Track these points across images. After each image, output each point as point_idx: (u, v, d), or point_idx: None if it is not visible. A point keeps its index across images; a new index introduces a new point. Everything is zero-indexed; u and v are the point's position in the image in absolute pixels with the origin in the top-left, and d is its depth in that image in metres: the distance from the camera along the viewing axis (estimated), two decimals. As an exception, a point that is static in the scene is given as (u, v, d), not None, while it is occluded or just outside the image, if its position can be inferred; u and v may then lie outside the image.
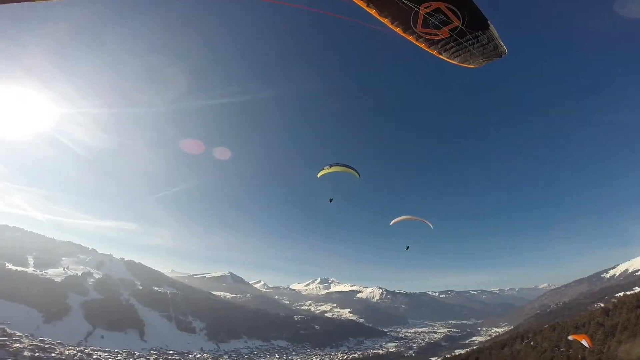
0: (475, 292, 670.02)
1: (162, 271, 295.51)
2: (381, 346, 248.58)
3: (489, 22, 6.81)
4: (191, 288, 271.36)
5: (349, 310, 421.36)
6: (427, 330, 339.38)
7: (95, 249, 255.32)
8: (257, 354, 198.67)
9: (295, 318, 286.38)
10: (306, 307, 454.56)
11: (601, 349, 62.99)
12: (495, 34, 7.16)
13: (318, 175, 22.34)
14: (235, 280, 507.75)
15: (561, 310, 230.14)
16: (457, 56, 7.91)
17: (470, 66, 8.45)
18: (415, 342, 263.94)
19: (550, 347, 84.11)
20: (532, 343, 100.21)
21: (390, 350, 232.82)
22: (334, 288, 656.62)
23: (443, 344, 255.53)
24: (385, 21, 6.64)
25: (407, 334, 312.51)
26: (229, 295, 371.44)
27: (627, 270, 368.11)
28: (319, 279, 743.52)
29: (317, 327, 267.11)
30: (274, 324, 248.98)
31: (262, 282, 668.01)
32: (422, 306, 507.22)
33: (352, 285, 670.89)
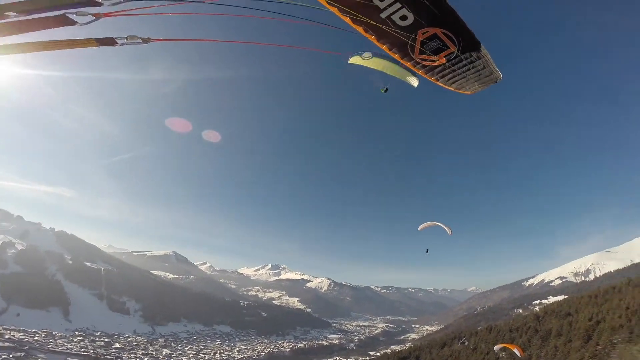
0: (413, 290, 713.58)
1: (97, 245, 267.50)
2: (325, 337, 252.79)
3: (482, 47, 6.79)
4: (129, 266, 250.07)
5: (297, 299, 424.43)
6: (367, 324, 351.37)
7: (22, 216, 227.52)
8: (196, 339, 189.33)
9: (241, 303, 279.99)
10: (254, 293, 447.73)
11: (539, 353, 67.15)
12: (490, 59, 7.20)
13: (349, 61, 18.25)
14: (179, 260, 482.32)
15: (486, 314, 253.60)
16: (454, 82, 7.92)
17: (466, 92, 8.47)
18: (356, 335, 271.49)
19: (488, 349, 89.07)
20: (470, 345, 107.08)
21: (334, 342, 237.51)
22: (285, 275, 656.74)
23: (381, 338, 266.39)
24: (384, 47, 6.68)
25: (349, 326, 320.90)
26: (170, 276, 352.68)
27: (543, 280, 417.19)
28: (269, 265, 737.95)
29: (264, 314, 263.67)
30: (218, 309, 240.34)
31: (208, 264, 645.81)
32: (366, 300, 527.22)
33: (302, 274, 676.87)
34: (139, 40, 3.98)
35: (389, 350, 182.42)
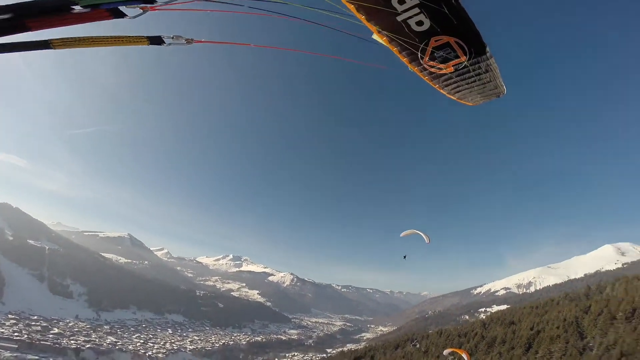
0: (371, 291, 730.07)
1: (45, 222, 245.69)
2: (284, 332, 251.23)
3: (493, 60, 6.75)
4: (77, 246, 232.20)
5: (258, 292, 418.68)
6: (326, 322, 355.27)
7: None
8: (146, 327, 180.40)
9: (197, 293, 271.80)
10: (211, 283, 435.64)
11: (485, 358, 70.87)
12: (498, 73, 7.13)
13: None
14: (134, 244, 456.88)
15: (436, 318, 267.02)
16: (457, 92, 7.88)
17: (468, 103, 8.45)
18: (315, 332, 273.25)
19: (439, 352, 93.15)
20: (422, 348, 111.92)
21: (292, 337, 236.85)
22: (246, 267, 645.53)
23: (338, 336, 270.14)
24: (395, 50, 6.61)
25: (309, 322, 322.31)
26: (123, 260, 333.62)
27: (490, 289, 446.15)
28: (231, 256, 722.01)
29: (221, 305, 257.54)
30: (172, 297, 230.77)
31: (166, 250, 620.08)
32: (326, 297, 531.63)
33: (265, 267, 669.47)
34: (184, 41, 4.10)
35: (345, 349, 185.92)
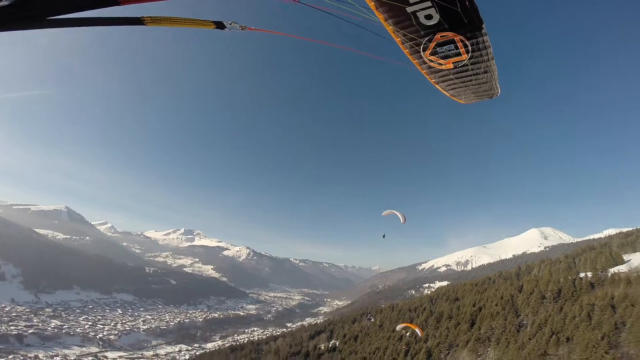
0: (327, 265, 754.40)
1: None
2: (242, 307, 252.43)
3: (493, 62, 6.81)
4: (6, 222, 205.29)
5: (212, 267, 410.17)
6: (284, 296, 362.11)
7: None
8: (92, 309, 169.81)
9: (147, 270, 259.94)
10: (162, 259, 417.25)
11: (434, 333, 77.60)
12: (496, 75, 7.21)
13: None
14: (72, 218, 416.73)
15: (386, 292, 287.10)
16: (453, 89, 7.90)
17: (460, 101, 8.49)
18: (273, 307, 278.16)
19: (392, 327, 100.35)
20: (377, 322, 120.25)
21: (251, 312, 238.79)
22: (199, 241, 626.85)
23: (297, 310, 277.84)
24: (398, 40, 6.55)
25: (267, 297, 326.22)
26: (60, 236, 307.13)
27: (433, 266, 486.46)
28: (182, 230, 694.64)
29: (174, 282, 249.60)
30: (119, 275, 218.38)
31: (109, 225, 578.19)
32: (284, 272, 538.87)
33: (219, 241, 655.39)
34: (238, 28, 4.25)
35: (305, 323, 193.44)
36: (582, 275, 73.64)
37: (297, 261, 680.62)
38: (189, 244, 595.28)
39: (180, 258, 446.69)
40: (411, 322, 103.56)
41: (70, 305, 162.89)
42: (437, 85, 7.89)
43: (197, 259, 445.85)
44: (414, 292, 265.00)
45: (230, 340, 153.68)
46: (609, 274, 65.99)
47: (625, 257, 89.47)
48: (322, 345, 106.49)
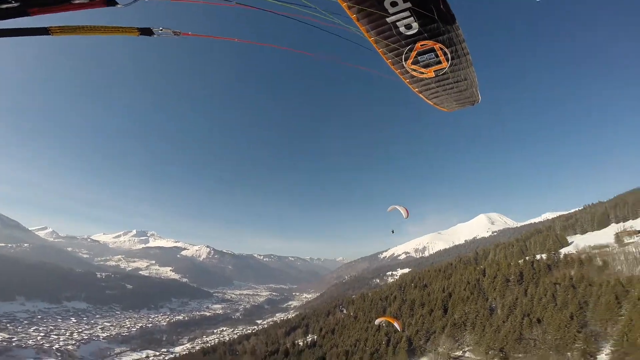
0: (293, 259, 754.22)
1: None
2: (207, 307, 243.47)
3: (473, 69, 7.00)
4: None
5: (170, 268, 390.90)
6: (251, 293, 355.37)
7: None
8: (42, 319, 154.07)
9: (98, 275, 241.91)
10: (114, 263, 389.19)
11: (410, 321, 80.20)
12: (476, 81, 7.39)
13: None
14: (6, 225, 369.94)
15: (353, 282, 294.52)
16: (435, 97, 8.05)
17: (443, 109, 8.64)
18: (241, 305, 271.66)
19: (368, 317, 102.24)
20: (351, 313, 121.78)
21: (218, 312, 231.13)
22: (154, 243, 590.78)
23: (266, 307, 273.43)
24: (380, 51, 6.64)
25: (233, 295, 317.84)
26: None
27: (393, 254, 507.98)
28: (134, 231, 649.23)
29: (130, 286, 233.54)
30: (67, 282, 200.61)
31: (50, 230, 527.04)
32: (248, 268, 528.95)
33: (176, 241, 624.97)
34: (171, 33, 4.14)
35: (276, 319, 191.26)
36: (538, 257, 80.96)
37: (262, 257, 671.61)
38: (143, 245, 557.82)
39: (134, 261, 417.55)
40: (384, 312, 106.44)
41: (16, 316, 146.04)
42: (420, 94, 7.96)
43: (154, 261, 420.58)
44: (378, 280, 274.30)
45: (200, 342, 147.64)
46: (561, 256, 73.37)
47: (569, 238, 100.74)
48: (300, 341, 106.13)
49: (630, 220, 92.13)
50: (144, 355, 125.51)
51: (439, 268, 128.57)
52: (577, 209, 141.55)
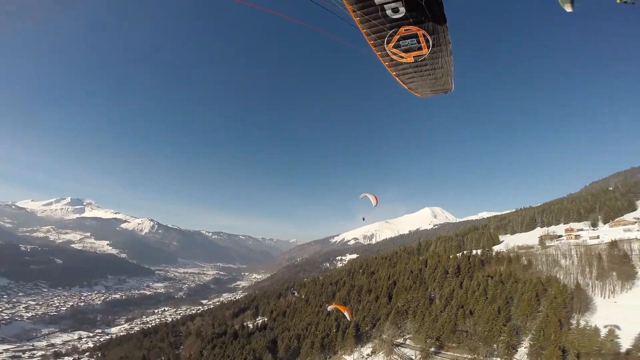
0: (244, 237, 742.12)
1: None
2: (148, 286, 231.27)
3: (451, 58, 7.33)
4: None
5: (108, 242, 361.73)
6: (197, 271, 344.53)
7: None
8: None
9: (22, 248, 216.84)
10: (42, 235, 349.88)
11: (358, 306, 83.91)
12: (452, 70, 7.77)
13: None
14: None
15: (304, 265, 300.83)
16: (411, 82, 8.34)
17: (417, 94, 8.95)
18: (185, 283, 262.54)
19: (319, 301, 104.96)
20: (302, 296, 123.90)
21: (159, 291, 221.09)
22: (90, 213, 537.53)
23: (212, 286, 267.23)
24: (364, 32, 6.82)
25: (176, 273, 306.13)
26: None
27: (344, 239, 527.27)
28: (68, 199, 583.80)
29: (59, 261, 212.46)
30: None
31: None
32: (195, 245, 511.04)
33: (116, 212, 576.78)
34: None
35: (224, 300, 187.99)
36: (474, 252, 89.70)
37: (210, 234, 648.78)
38: (78, 215, 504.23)
39: (66, 233, 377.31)
40: (334, 296, 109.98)
41: None
42: (397, 78, 8.20)
43: (89, 234, 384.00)
44: (328, 264, 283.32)
45: (139, 322, 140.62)
46: (494, 253, 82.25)
47: (501, 237, 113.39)
48: (250, 323, 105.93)
49: (553, 226, 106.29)
50: (75, 337, 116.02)
51: (385, 256, 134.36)
52: (509, 211, 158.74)
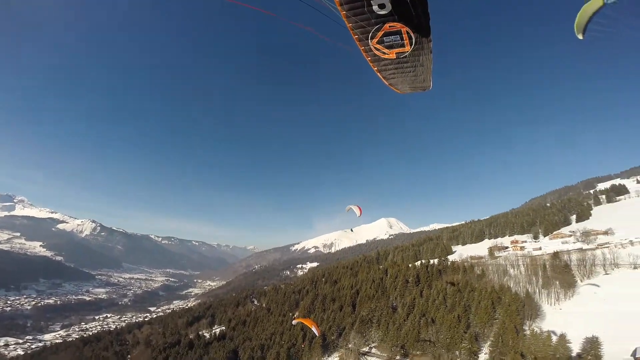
0: (197, 243, 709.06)
1: None
2: (87, 292, 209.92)
3: (431, 56, 7.49)
4: None
5: (41, 243, 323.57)
6: (144, 277, 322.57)
7: None
8: None
9: None
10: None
11: (322, 315, 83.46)
12: (430, 69, 7.97)
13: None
14: None
15: (263, 272, 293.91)
16: (392, 78, 8.52)
17: (396, 90, 9.12)
18: (130, 290, 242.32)
19: (282, 310, 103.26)
20: (263, 304, 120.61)
21: (100, 296, 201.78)
22: (21, 211, 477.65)
23: (161, 293, 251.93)
24: (349, 26, 6.95)
25: (121, 279, 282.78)
26: None
27: (304, 247, 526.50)
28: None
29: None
30: None
31: None
32: (142, 250, 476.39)
33: (52, 212, 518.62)
34: None
35: (174, 307, 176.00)
36: (431, 262, 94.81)
37: (160, 238, 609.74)
38: (7, 213, 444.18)
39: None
40: (297, 305, 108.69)
41: None
42: (378, 74, 8.36)
43: (18, 233, 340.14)
44: (288, 272, 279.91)
45: (77, 329, 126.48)
46: (449, 262, 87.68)
47: (453, 248, 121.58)
48: (206, 332, 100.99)
49: (500, 238, 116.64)
50: (1, 343, 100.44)
51: (347, 265, 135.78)
52: (459, 223, 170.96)
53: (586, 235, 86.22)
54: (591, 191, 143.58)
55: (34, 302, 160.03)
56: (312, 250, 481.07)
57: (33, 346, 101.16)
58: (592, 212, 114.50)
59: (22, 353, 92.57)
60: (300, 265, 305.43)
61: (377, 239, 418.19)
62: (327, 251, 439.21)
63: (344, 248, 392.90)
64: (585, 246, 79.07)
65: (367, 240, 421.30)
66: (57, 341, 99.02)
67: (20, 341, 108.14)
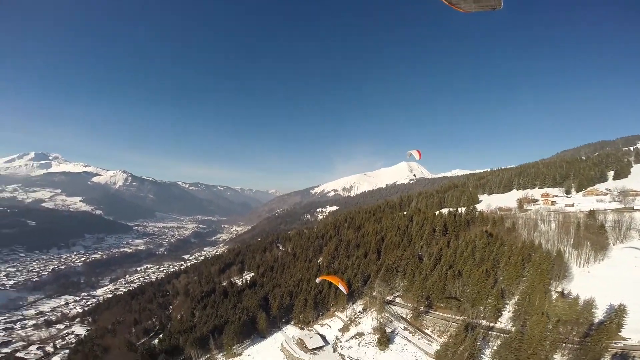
0: (222, 188, 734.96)
1: None
2: (128, 244, 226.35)
3: None
4: None
5: (80, 198, 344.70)
6: (176, 225, 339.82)
7: None
8: None
9: None
10: (8, 195, 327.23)
11: (347, 262, 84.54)
12: None
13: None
14: None
15: (285, 216, 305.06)
16: None
17: (459, 9, 8.02)
18: (165, 239, 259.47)
19: (307, 256, 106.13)
20: (288, 249, 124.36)
21: (139, 248, 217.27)
22: (58, 167, 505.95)
23: (192, 240, 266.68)
24: None
25: (155, 229, 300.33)
26: None
27: (323, 190, 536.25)
28: (32, 154, 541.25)
29: (32, 222, 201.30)
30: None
31: None
32: (172, 198, 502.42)
33: (85, 166, 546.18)
34: None
35: (205, 254, 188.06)
36: (459, 210, 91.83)
37: (187, 185, 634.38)
38: (44, 171, 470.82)
39: (34, 191, 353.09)
40: (321, 251, 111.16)
41: None
42: None
43: (59, 190, 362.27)
44: (309, 216, 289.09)
45: (123, 282, 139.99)
46: (477, 212, 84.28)
47: (480, 197, 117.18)
48: (238, 279, 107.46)
49: (529, 189, 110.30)
50: (62, 302, 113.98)
51: (370, 210, 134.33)
52: (483, 170, 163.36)
53: (624, 194, 79.18)
54: (631, 148, 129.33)
55: (83, 259, 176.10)
56: (332, 194, 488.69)
57: (89, 302, 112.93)
58: (631, 169, 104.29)
59: (80, 311, 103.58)
60: (320, 209, 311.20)
61: (397, 183, 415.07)
62: (347, 194, 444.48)
63: (364, 192, 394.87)
64: (622, 206, 72.90)
65: (386, 185, 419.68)
66: (108, 296, 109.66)
67: (77, 298, 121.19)
